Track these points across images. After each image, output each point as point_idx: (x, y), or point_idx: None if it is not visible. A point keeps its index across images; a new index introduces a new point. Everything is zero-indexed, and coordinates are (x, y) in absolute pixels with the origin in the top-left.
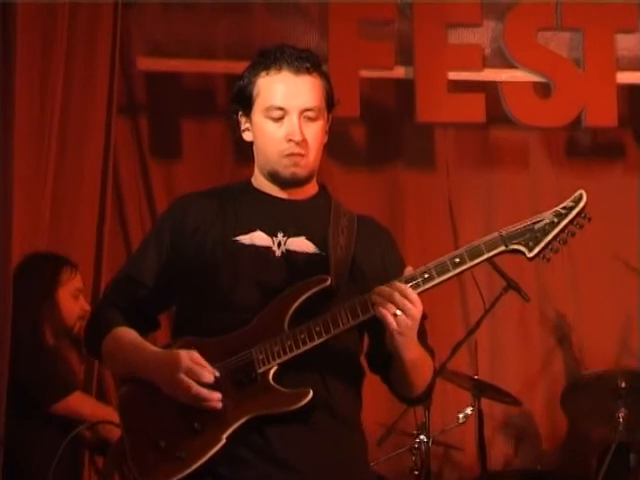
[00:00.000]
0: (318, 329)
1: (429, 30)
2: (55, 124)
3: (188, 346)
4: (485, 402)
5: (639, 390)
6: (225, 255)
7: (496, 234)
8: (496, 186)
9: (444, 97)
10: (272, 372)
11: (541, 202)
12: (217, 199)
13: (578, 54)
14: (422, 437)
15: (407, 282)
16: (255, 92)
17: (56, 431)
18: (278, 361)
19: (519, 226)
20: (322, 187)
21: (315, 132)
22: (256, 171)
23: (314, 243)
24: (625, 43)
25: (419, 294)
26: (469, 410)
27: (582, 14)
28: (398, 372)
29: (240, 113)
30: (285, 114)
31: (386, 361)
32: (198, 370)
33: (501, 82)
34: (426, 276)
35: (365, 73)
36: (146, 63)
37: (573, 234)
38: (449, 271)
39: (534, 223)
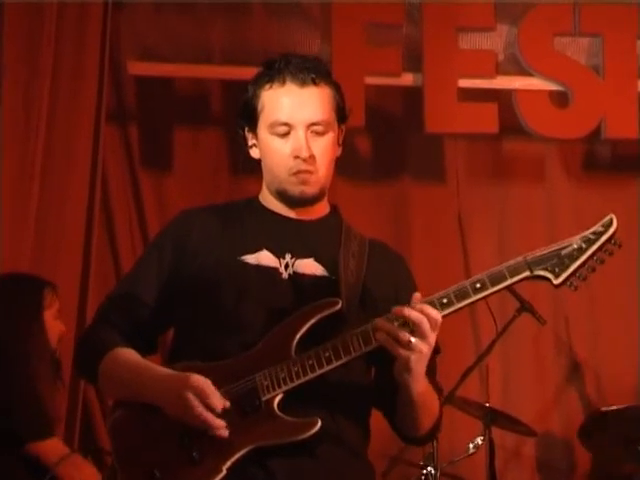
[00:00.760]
0: (327, 355)
1: (439, 34)
2: (41, 132)
3: (189, 370)
4: (497, 431)
5: None
6: (230, 275)
7: (520, 258)
8: (509, 202)
9: (454, 106)
10: (277, 400)
11: (557, 219)
12: (222, 215)
13: (597, 61)
14: (429, 469)
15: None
16: (259, 106)
17: (24, 473)
18: (284, 388)
19: (545, 251)
20: (333, 208)
21: (324, 147)
22: (264, 188)
23: (323, 266)
24: None
25: None
26: (479, 440)
27: (602, 18)
28: (403, 408)
29: (246, 129)
30: (291, 129)
31: (391, 396)
32: (208, 393)
33: (515, 90)
34: (445, 301)
35: (370, 80)
36: (137, 67)
37: (602, 261)
38: (469, 297)
39: (561, 248)
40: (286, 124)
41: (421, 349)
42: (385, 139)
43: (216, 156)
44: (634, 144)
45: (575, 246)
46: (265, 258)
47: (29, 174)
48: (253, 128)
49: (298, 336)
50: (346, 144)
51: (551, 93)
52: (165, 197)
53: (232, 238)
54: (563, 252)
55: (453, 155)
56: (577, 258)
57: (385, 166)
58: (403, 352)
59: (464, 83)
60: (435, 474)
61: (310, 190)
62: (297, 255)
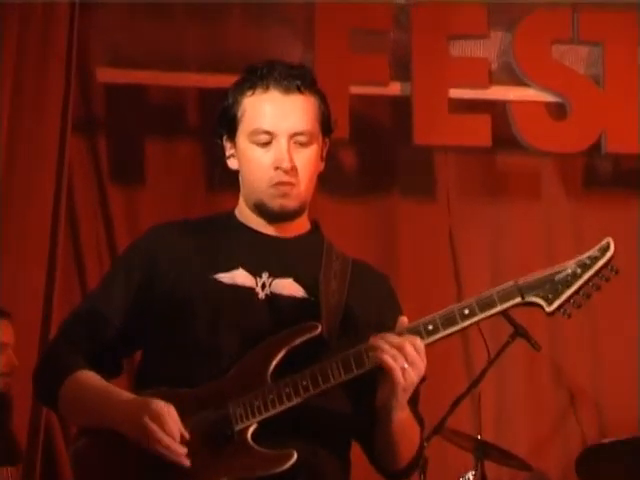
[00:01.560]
0: (305, 383)
1: (429, 41)
2: (2, 144)
3: (156, 396)
4: (489, 465)
5: None
6: (203, 294)
7: (511, 283)
8: (503, 220)
9: (445, 117)
10: (251, 430)
11: (555, 238)
12: (196, 232)
13: (597, 70)
14: None
15: (410, 333)
16: (240, 113)
17: None
18: (258, 418)
19: (538, 275)
20: (314, 224)
21: (307, 159)
22: (241, 202)
23: (303, 286)
24: None
25: None
26: (471, 475)
27: (602, 25)
28: (382, 438)
29: (225, 137)
30: (273, 138)
31: (369, 427)
32: (167, 419)
33: (510, 101)
34: (430, 328)
35: (356, 89)
36: (107, 74)
37: (598, 288)
38: (456, 324)
39: (555, 273)
40: (268, 132)
41: (412, 377)
42: (371, 152)
43: (191, 169)
44: (636, 159)
45: (570, 271)
46: (241, 277)
47: None
48: (232, 136)
49: (274, 362)
50: (330, 157)
51: (548, 104)
52: (136, 213)
53: (205, 255)
54: (557, 277)
55: (444, 169)
56: (571, 284)
57: (371, 181)
58: (399, 377)
59: (455, 93)
60: None
61: (290, 204)
62: (275, 274)
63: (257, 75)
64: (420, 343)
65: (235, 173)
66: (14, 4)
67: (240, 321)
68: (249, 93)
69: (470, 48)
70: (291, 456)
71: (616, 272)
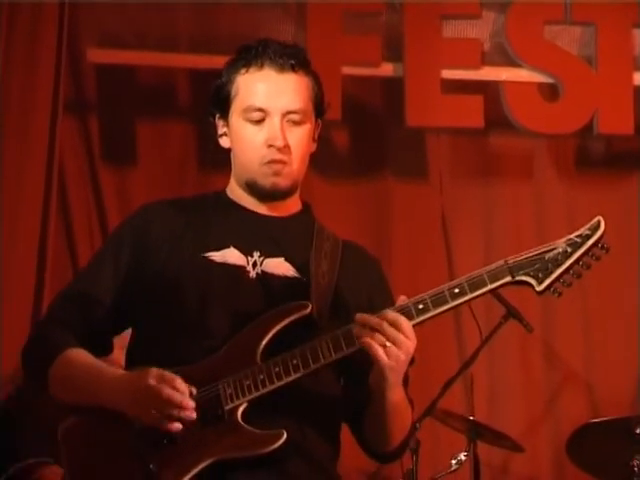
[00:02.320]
0: (295, 362)
1: (421, 22)
2: None
3: None
4: (482, 447)
5: None
6: (193, 273)
7: (501, 263)
8: (496, 201)
9: (437, 98)
10: (241, 410)
11: (547, 220)
12: (186, 210)
13: (590, 51)
14: None
15: (399, 312)
16: (233, 91)
17: None
18: (248, 397)
19: (528, 255)
20: (305, 205)
21: (300, 137)
22: (232, 181)
23: (294, 266)
24: None
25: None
26: (463, 456)
27: (594, 6)
28: (375, 419)
29: (217, 115)
30: (266, 116)
31: (359, 409)
32: (171, 376)
33: (502, 82)
34: (420, 307)
35: (348, 70)
36: (97, 54)
37: (589, 266)
38: (447, 303)
39: (545, 252)
40: (261, 110)
41: (397, 356)
42: (363, 133)
43: (182, 150)
44: (629, 140)
45: (560, 250)
46: (231, 256)
47: None
48: (225, 115)
49: (265, 341)
50: (321, 138)
51: (540, 85)
52: (128, 193)
53: (196, 234)
54: (547, 256)
55: (436, 151)
56: (562, 263)
57: (363, 162)
58: (382, 356)
59: (448, 74)
60: None
61: (282, 182)
62: (266, 254)
63: (252, 54)
64: (402, 320)
65: (227, 152)
66: None
67: (231, 300)
68: (243, 71)
69: (462, 29)
70: (281, 436)
71: (607, 250)
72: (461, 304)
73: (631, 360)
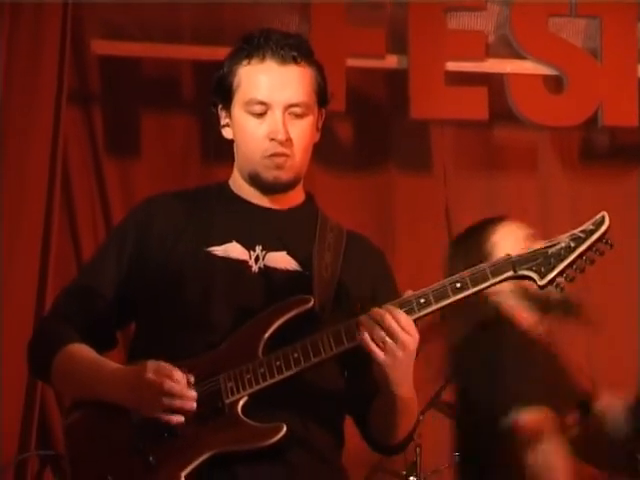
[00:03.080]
0: (296, 356)
1: (425, 14)
2: None
3: None
4: None
5: None
6: (195, 267)
7: (504, 257)
8: (500, 193)
9: (441, 90)
10: (241, 403)
11: (552, 213)
12: (189, 203)
13: (595, 44)
14: (412, 478)
15: (400, 307)
16: (235, 83)
17: None
18: (249, 391)
19: (531, 249)
20: (309, 196)
21: (302, 130)
22: (235, 173)
23: (296, 260)
24: None
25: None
26: None
27: None
28: (381, 413)
29: (220, 106)
30: (268, 109)
31: (364, 402)
32: (168, 368)
33: (507, 74)
34: (422, 301)
35: (352, 62)
36: (101, 46)
37: (592, 261)
38: (448, 297)
39: (548, 247)
40: (263, 103)
41: (394, 352)
42: (367, 125)
43: (186, 141)
44: (634, 132)
45: (563, 245)
46: (234, 250)
47: None
48: (227, 106)
49: (266, 336)
50: (325, 130)
51: (545, 78)
52: (131, 185)
53: (199, 228)
54: (550, 251)
55: (440, 143)
56: (565, 258)
57: (367, 154)
58: (377, 352)
59: (452, 66)
60: None
61: (285, 175)
62: (268, 248)
63: (253, 45)
64: (402, 315)
65: (230, 143)
66: None
67: (233, 294)
68: (245, 63)
69: (467, 21)
70: (280, 429)
71: (611, 246)
72: (463, 298)
73: (632, 352)
